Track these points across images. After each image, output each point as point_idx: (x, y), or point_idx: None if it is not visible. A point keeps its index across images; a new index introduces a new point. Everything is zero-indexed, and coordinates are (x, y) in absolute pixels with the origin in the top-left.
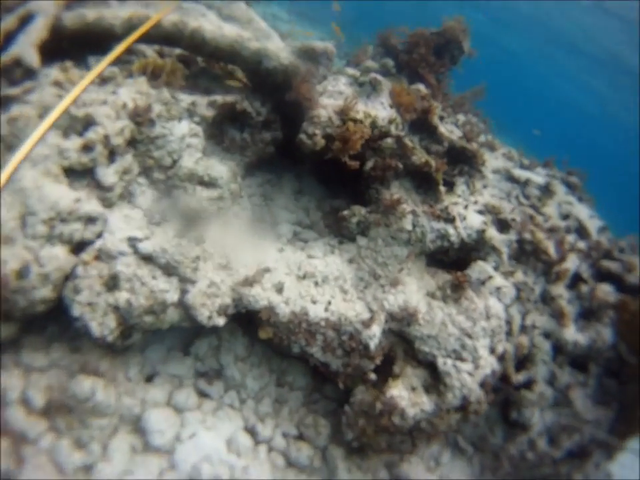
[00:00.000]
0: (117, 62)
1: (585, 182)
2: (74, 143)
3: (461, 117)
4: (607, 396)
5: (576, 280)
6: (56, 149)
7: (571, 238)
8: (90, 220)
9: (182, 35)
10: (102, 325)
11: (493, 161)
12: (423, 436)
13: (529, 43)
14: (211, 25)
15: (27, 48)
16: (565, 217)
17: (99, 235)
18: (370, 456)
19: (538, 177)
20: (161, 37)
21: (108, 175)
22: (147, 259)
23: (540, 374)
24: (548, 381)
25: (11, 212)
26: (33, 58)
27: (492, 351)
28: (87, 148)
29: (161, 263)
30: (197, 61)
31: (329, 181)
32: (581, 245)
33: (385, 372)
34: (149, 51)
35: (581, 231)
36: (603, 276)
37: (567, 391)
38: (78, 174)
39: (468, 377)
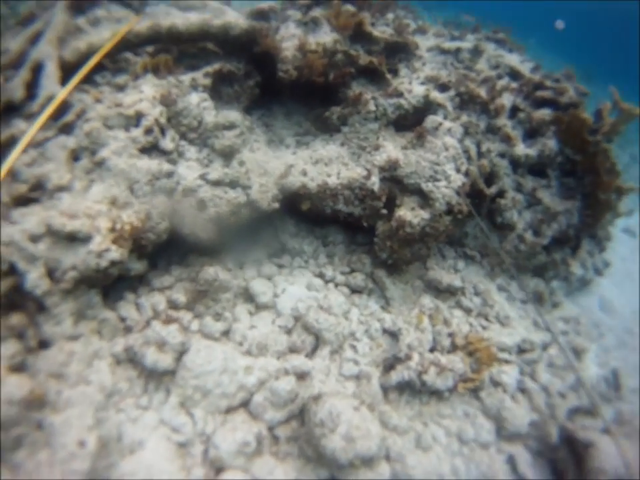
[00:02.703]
0: (123, 71)
1: (510, 35)
2: (138, 131)
3: (391, 15)
4: (570, 191)
5: (514, 111)
6: (129, 140)
7: (503, 82)
8: (169, 174)
9: (160, 33)
10: (204, 233)
11: (426, 42)
12: (431, 239)
13: None
14: (179, 19)
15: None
16: (496, 67)
17: (178, 183)
18: (404, 270)
19: (467, 43)
20: (143, 40)
21: (167, 144)
22: (216, 183)
23: (507, 184)
24: (515, 188)
25: (121, 187)
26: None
27: (457, 170)
28: (148, 131)
29: (226, 182)
30: (174, 49)
31: (306, 99)
32: (514, 85)
33: (391, 207)
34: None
35: (514, 74)
36: (538, 104)
37: (533, 192)
38: (147, 150)
39: (445, 189)
